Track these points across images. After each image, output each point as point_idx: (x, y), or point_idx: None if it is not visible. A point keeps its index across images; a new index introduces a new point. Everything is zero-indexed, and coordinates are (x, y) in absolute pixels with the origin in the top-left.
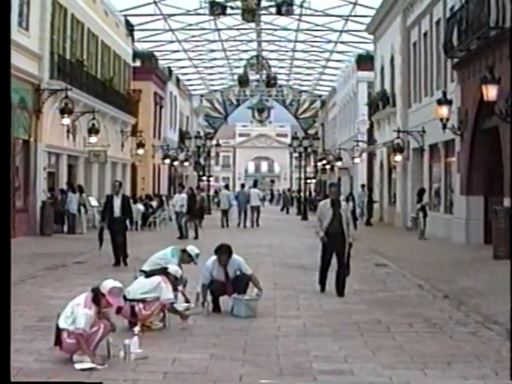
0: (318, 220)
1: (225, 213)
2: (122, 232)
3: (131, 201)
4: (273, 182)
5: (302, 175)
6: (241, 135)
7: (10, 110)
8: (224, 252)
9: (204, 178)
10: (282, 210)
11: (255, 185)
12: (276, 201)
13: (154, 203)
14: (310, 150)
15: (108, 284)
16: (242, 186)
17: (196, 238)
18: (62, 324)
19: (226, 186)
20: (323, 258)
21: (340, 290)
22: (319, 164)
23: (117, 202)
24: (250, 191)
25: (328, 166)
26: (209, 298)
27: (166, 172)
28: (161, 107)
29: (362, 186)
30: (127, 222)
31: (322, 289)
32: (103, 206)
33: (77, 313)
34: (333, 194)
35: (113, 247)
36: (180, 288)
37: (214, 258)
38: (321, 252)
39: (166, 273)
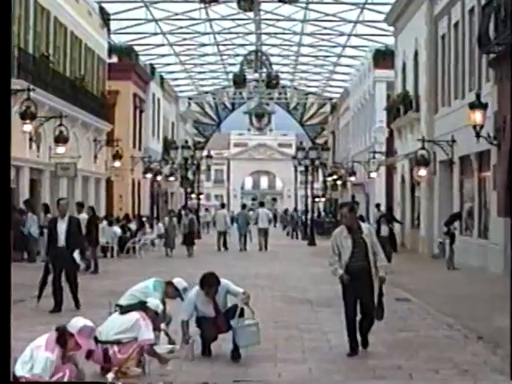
0: (334, 254)
1: (222, 235)
2: (69, 269)
3: (104, 223)
4: (274, 200)
5: (309, 192)
6: (236, 145)
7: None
8: (212, 284)
9: (193, 195)
10: (289, 234)
11: (263, 204)
12: (283, 224)
13: (133, 225)
14: (318, 162)
15: (78, 322)
16: (243, 206)
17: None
18: (19, 371)
19: (223, 205)
20: (347, 306)
21: (364, 341)
22: (329, 179)
23: (61, 227)
24: (259, 212)
25: (339, 182)
26: (196, 336)
27: (147, 188)
28: (141, 111)
29: (377, 205)
30: (76, 254)
31: (352, 349)
32: (47, 232)
33: (36, 356)
34: (345, 217)
35: (52, 288)
36: (163, 326)
37: (197, 288)
38: (342, 296)
39: (146, 308)
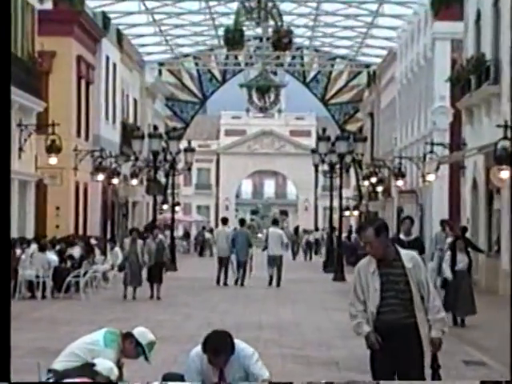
0: (357, 300)
1: (223, 262)
2: None
3: (33, 247)
4: (285, 214)
5: (336, 203)
6: (229, 133)
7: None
8: (219, 351)
9: (165, 206)
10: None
11: (276, 223)
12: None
13: (77, 251)
14: (348, 159)
15: None
16: (242, 222)
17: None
18: None
19: (225, 221)
20: (375, 376)
21: None
22: (365, 184)
23: None
24: (269, 232)
25: (380, 188)
26: None
27: (98, 197)
28: (89, 83)
29: (443, 223)
30: None
31: None
32: None
33: None
34: (371, 244)
35: None
36: None
37: (199, 349)
38: (370, 366)
39: (93, 373)
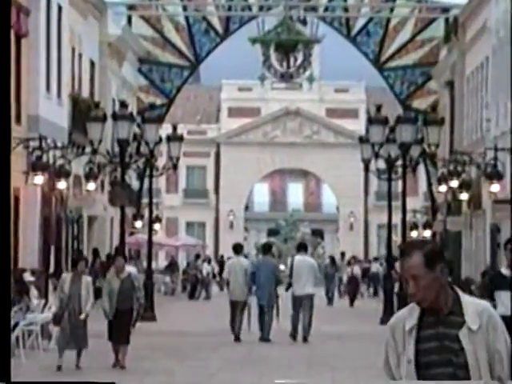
0: (389, 369)
1: (238, 308)
2: None
3: None
4: (319, 234)
5: (397, 218)
6: (234, 113)
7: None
8: None
9: (138, 224)
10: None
11: (303, 248)
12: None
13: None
14: (416, 151)
15: None
16: (266, 248)
17: None
18: None
19: (238, 249)
20: None
21: None
22: (442, 189)
23: None
24: (295, 261)
25: (465, 195)
26: None
27: (36, 208)
28: (19, 36)
29: None
30: None
31: None
32: None
33: None
34: (415, 281)
35: None
36: None
37: None
38: None
39: None
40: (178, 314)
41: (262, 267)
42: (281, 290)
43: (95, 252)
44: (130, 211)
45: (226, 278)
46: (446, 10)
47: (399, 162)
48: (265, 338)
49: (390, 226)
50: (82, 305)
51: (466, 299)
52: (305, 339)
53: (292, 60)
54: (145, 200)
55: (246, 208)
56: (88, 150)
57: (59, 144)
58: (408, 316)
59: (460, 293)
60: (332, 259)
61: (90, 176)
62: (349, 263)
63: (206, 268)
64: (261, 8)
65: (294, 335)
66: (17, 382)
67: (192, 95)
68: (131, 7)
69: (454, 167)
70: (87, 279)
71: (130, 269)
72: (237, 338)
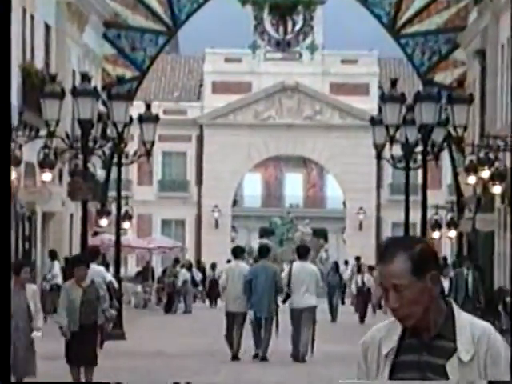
0: None
1: (236, 321)
2: None
3: None
4: (322, 236)
5: (416, 216)
6: (220, 88)
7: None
8: None
9: (104, 222)
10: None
11: (304, 252)
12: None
13: None
14: (439, 135)
15: None
16: (263, 250)
17: None
18: None
19: (239, 252)
20: None
21: None
22: (471, 180)
23: None
24: (293, 268)
25: (498, 189)
26: None
27: None
28: None
29: None
30: None
31: None
32: None
33: None
34: (397, 294)
35: None
36: None
37: None
38: None
39: None
40: (152, 330)
41: (261, 273)
42: (278, 300)
43: (52, 254)
44: (93, 206)
45: (223, 286)
46: None
47: (419, 148)
48: (262, 356)
49: (407, 225)
50: (32, 320)
51: (463, 319)
52: (303, 359)
53: (290, 25)
54: (112, 193)
55: (234, 203)
56: (43, 132)
57: (11, 125)
58: (386, 335)
59: (456, 310)
60: (336, 265)
61: (45, 164)
62: (358, 271)
63: (184, 275)
64: None
65: (295, 355)
66: (17, 382)
67: (169, 67)
68: None
69: (485, 154)
70: (33, 288)
71: (100, 269)
72: (235, 357)
